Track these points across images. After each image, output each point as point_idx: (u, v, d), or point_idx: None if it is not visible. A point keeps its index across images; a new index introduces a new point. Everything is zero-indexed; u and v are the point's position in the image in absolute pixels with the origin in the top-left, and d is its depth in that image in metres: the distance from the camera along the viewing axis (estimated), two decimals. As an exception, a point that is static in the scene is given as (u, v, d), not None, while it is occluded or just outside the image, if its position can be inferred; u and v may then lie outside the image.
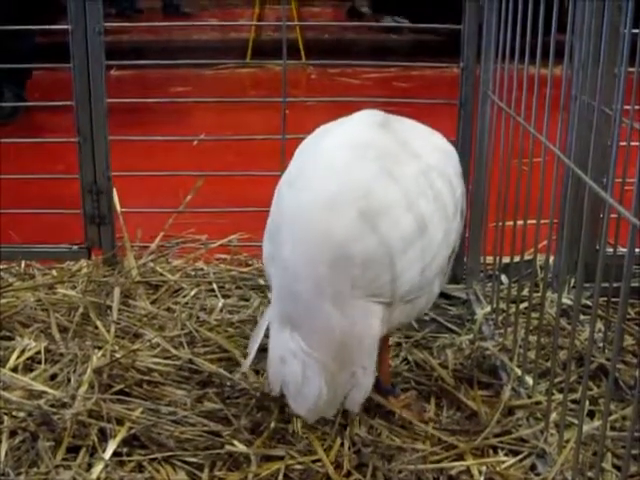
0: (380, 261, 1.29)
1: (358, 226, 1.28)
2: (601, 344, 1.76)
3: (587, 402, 1.53)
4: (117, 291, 1.96)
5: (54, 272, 2.13)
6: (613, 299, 1.79)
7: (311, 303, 1.28)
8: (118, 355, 1.67)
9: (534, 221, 1.57)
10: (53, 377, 1.64)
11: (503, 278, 2.00)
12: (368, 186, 1.32)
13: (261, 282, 2.07)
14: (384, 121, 1.47)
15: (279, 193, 1.43)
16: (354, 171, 1.34)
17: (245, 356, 1.69)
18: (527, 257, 1.75)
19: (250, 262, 2.21)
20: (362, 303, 1.29)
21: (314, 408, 1.30)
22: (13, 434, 1.45)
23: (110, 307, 1.90)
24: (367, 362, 1.31)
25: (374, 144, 1.39)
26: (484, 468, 1.40)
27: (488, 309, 1.95)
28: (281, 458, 1.41)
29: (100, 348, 1.72)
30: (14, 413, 1.49)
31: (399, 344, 1.79)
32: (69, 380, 1.61)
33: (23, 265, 2.15)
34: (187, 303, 1.97)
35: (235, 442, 1.42)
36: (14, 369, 1.65)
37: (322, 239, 1.28)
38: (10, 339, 1.77)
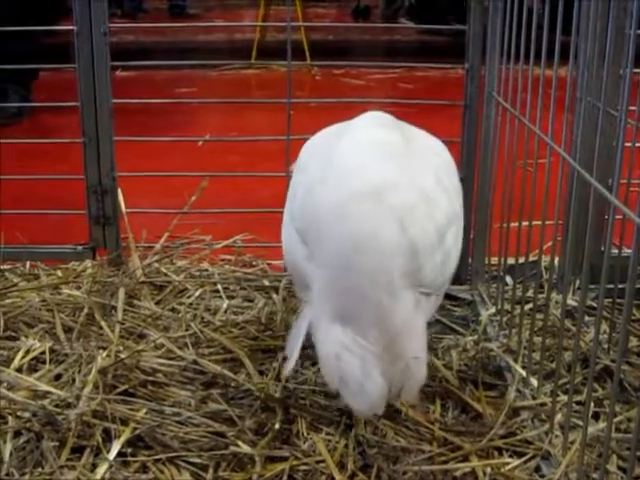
0: (423, 250, 1.30)
1: (402, 216, 1.29)
2: (606, 345, 1.76)
3: (592, 404, 1.53)
4: (122, 291, 1.96)
5: (59, 272, 2.13)
6: (618, 300, 1.79)
7: (365, 296, 1.27)
8: (123, 355, 1.67)
9: (539, 222, 1.57)
10: (58, 377, 1.64)
11: (508, 279, 2.00)
12: (402, 181, 1.33)
13: (266, 283, 2.07)
14: (393, 122, 1.49)
15: (310, 194, 1.40)
16: (386, 167, 1.35)
17: (249, 357, 1.70)
18: (532, 258, 1.75)
19: (255, 263, 2.21)
20: (409, 294, 1.30)
21: (375, 403, 1.29)
22: (17, 434, 1.45)
23: (115, 307, 1.90)
24: (419, 352, 1.30)
25: (394, 142, 1.41)
26: (489, 469, 1.39)
27: (493, 310, 1.94)
28: (285, 459, 1.41)
29: (105, 348, 1.73)
30: (19, 413, 1.49)
31: (404, 345, 1.79)
32: (74, 380, 1.61)
33: (28, 265, 2.16)
34: (192, 304, 1.97)
35: (239, 443, 1.42)
36: (19, 369, 1.66)
37: (371, 230, 1.28)
38: (15, 339, 1.78)
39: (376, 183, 1.31)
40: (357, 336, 1.27)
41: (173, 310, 1.94)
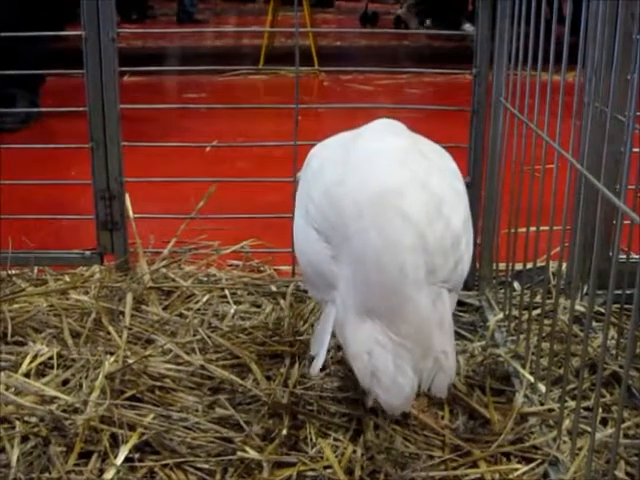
0: (448, 246, 1.32)
1: (427, 211, 1.32)
2: (614, 351, 1.76)
3: (600, 409, 1.53)
4: (129, 297, 1.96)
5: (67, 278, 2.13)
6: (626, 306, 1.78)
7: (395, 291, 1.28)
8: (130, 361, 1.67)
9: (547, 228, 1.57)
10: (65, 382, 1.64)
11: (516, 285, 2.00)
12: (426, 179, 1.36)
13: (273, 288, 2.07)
14: (404, 129, 1.52)
15: (329, 195, 1.40)
16: (403, 169, 1.37)
17: (256, 363, 1.70)
18: (540, 264, 1.75)
19: (262, 268, 2.21)
20: (436, 289, 1.32)
21: (408, 398, 1.29)
22: (25, 439, 1.45)
23: (122, 313, 1.90)
24: (448, 346, 1.32)
25: (408, 148, 1.43)
26: (497, 475, 1.39)
27: (500, 316, 1.94)
28: (293, 465, 1.40)
29: (112, 354, 1.73)
30: (26, 418, 1.49)
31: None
32: (81, 386, 1.61)
33: (36, 270, 2.16)
34: (199, 309, 1.97)
35: (247, 448, 1.42)
36: (26, 374, 1.66)
37: (400, 225, 1.29)
38: (22, 344, 1.78)
39: (397, 183, 1.34)
40: (390, 331, 1.28)
41: (181, 315, 1.94)
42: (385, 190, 1.33)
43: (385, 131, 1.50)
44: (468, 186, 1.55)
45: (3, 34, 2.08)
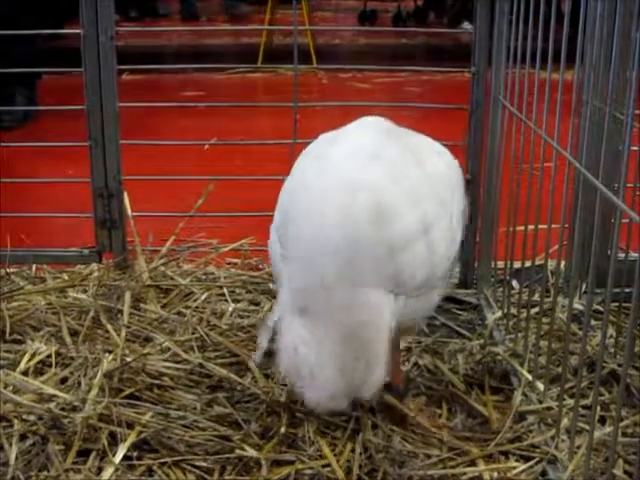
0: (389, 251, 1.29)
1: (369, 214, 1.29)
2: (612, 350, 1.76)
3: (598, 408, 1.53)
4: (128, 295, 1.96)
5: (65, 276, 2.13)
6: (625, 304, 1.78)
7: (325, 289, 1.28)
8: (129, 359, 1.67)
9: (545, 226, 1.57)
10: (64, 381, 1.64)
11: (514, 283, 2.00)
12: (375, 183, 1.33)
13: (272, 286, 2.07)
14: (389, 128, 1.48)
15: (288, 193, 1.44)
16: (363, 168, 1.35)
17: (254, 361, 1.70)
18: (538, 262, 1.75)
19: (261, 266, 2.21)
20: (373, 291, 1.30)
21: (329, 396, 1.29)
22: (23, 437, 1.45)
23: (121, 311, 1.90)
24: (380, 351, 1.30)
25: (379, 145, 1.40)
26: (495, 474, 1.39)
27: (499, 314, 1.94)
28: (291, 463, 1.40)
29: (111, 352, 1.73)
30: (24, 416, 1.50)
31: (409, 349, 1.79)
32: (79, 384, 1.61)
33: (34, 269, 2.16)
34: (198, 307, 1.97)
35: (245, 446, 1.42)
36: (25, 372, 1.66)
37: (340, 226, 1.28)
38: (21, 342, 1.78)
39: (350, 182, 1.32)
40: (316, 330, 1.28)
41: (179, 313, 1.94)
42: (325, 191, 1.33)
43: (360, 130, 1.46)
44: (467, 183, 1.54)
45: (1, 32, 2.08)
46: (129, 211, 2.18)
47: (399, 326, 1.41)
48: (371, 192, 1.31)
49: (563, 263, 2.00)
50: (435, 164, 1.45)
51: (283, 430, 1.47)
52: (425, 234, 1.34)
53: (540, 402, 1.58)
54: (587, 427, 1.43)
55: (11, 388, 1.58)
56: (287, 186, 1.46)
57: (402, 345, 1.75)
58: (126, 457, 1.41)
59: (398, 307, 1.34)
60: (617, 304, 1.79)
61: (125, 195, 2.16)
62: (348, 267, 1.28)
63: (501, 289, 2.01)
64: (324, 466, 1.40)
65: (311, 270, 1.31)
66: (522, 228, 1.74)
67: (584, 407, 1.54)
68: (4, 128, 3.69)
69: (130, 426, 1.47)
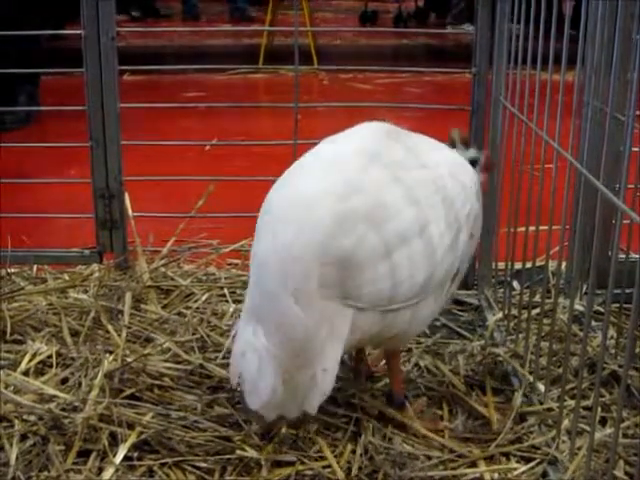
0: (351, 265, 1.28)
1: (333, 225, 1.28)
2: (613, 351, 1.76)
3: (599, 409, 1.53)
4: (128, 295, 1.96)
5: (66, 276, 2.13)
6: (625, 305, 1.78)
7: (276, 298, 1.28)
8: (129, 359, 1.67)
9: (546, 227, 1.57)
10: (64, 381, 1.64)
11: (515, 284, 2.00)
12: (353, 188, 1.31)
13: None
14: (390, 131, 1.47)
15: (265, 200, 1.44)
16: (342, 172, 1.34)
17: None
18: (539, 263, 1.75)
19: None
20: (330, 305, 1.28)
21: (268, 404, 1.30)
22: (24, 438, 1.45)
23: (121, 311, 1.90)
24: (329, 365, 1.30)
25: (370, 151, 1.39)
26: (496, 475, 1.39)
27: (500, 315, 1.94)
28: (292, 464, 1.40)
29: (111, 352, 1.73)
30: (25, 417, 1.49)
31: (410, 349, 1.79)
32: (80, 384, 1.61)
33: (35, 269, 2.16)
34: (198, 308, 1.97)
35: (246, 447, 1.42)
36: (25, 373, 1.66)
37: (294, 235, 1.28)
38: (21, 343, 1.78)
39: (309, 192, 1.32)
40: (264, 337, 1.28)
41: (180, 314, 1.94)
42: (293, 198, 1.33)
43: (362, 134, 1.46)
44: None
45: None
46: (130, 212, 2.19)
47: (382, 340, 1.41)
48: (331, 204, 1.29)
49: (564, 264, 2.00)
50: (437, 166, 1.43)
51: (284, 431, 1.47)
52: (387, 256, 1.30)
53: (541, 403, 1.58)
54: (588, 428, 1.43)
55: (12, 388, 1.58)
56: None
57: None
58: (127, 457, 1.41)
59: (363, 322, 1.33)
60: (618, 305, 1.79)
61: (126, 195, 2.17)
62: (298, 278, 1.27)
63: (502, 290, 2.01)
64: (324, 467, 1.40)
65: (260, 278, 1.32)
66: (523, 229, 1.74)
67: (585, 408, 1.54)
68: (6, 129, 3.65)
69: (131, 426, 1.47)
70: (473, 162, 1.58)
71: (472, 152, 1.60)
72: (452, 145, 1.58)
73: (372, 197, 1.31)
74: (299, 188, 1.35)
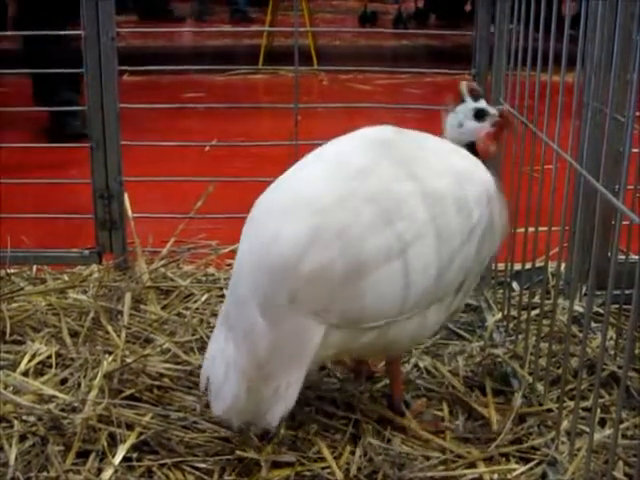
0: (323, 281, 1.26)
1: (306, 241, 1.26)
2: (612, 352, 1.76)
3: (598, 410, 1.53)
4: (128, 296, 1.96)
5: (65, 277, 2.13)
6: (625, 306, 1.78)
7: (245, 310, 1.28)
8: (129, 360, 1.67)
9: (545, 228, 1.57)
10: (64, 382, 1.64)
11: (514, 285, 2.00)
12: (333, 203, 1.29)
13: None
14: (389, 140, 1.44)
15: None
16: (323, 187, 1.33)
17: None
18: (538, 264, 1.74)
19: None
20: (300, 320, 1.27)
21: (230, 411, 1.31)
22: (23, 438, 1.45)
23: (121, 312, 1.90)
24: (293, 378, 1.29)
25: (360, 164, 1.36)
26: (495, 476, 1.39)
27: (499, 316, 1.94)
28: (291, 464, 1.40)
29: (111, 353, 1.73)
30: (24, 417, 1.49)
31: (409, 350, 1.78)
32: (79, 385, 1.61)
33: (34, 270, 2.16)
34: (198, 308, 1.97)
35: (245, 448, 1.42)
36: (25, 373, 1.66)
37: (266, 247, 1.29)
38: (21, 343, 1.78)
39: (293, 202, 1.32)
40: (232, 345, 1.29)
41: (179, 315, 1.94)
42: (269, 209, 1.34)
43: (356, 143, 1.44)
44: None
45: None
46: (129, 212, 2.19)
47: (364, 354, 1.42)
48: (307, 217, 1.29)
49: (563, 265, 2.00)
50: (438, 176, 1.38)
51: (283, 432, 1.47)
52: (360, 276, 1.27)
53: (540, 404, 1.58)
54: (587, 429, 1.42)
55: (11, 389, 1.59)
56: None
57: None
58: (126, 458, 1.41)
59: (340, 339, 1.31)
60: (617, 306, 1.79)
61: (125, 196, 2.17)
62: (267, 291, 1.27)
63: (501, 291, 2.01)
64: (324, 468, 1.40)
65: (234, 283, 1.33)
66: (522, 230, 1.73)
67: (584, 409, 1.54)
68: (73, 135, 3.36)
69: (130, 427, 1.47)
70: (479, 113, 1.55)
71: (482, 103, 1.57)
72: (461, 100, 1.57)
73: (349, 214, 1.28)
74: (279, 198, 1.36)
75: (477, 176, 1.44)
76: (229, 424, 1.36)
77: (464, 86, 1.57)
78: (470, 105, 1.56)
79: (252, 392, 1.28)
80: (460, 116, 1.55)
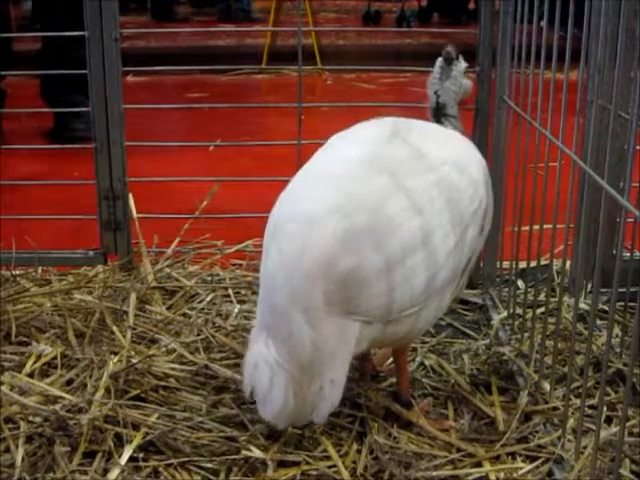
0: (357, 281, 1.29)
1: (337, 244, 1.28)
2: (618, 349, 1.76)
3: (604, 408, 1.53)
4: (133, 296, 1.96)
5: (70, 278, 2.13)
6: (630, 304, 1.78)
7: (285, 315, 1.29)
8: (134, 360, 1.67)
9: (550, 226, 1.57)
10: (69, 382, 1.64)
11: (520, 283, 2.00)
12: (356, 204, 1.32)
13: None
14: (394, 132, 1.46)
15: (272, 211, 1.44)
16: (344, 188, 1.34)
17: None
18: (543, 262, 1.74)
19: (266, 267, 2.20)
20: (337, 320, 1.30)
21: (280, 415, 1.32)
22: (29, 439, 1.45)
23: (126, 312, 1.90)
24: (337, 376, 1.32)
25: (375, 157, 1.39)
26: (501, 474, 1.39)
27: (505, 314, 1.94)
28: (297, 464, 1.40)
29: (116, 353, 1.73)
30: (30, 418, 1.49)
31: (415, 349, 1.79)
32: (85, 385, 1.61)
33: (40, 271, 2.16)
34: (203, 309, 1.97)
35: (251, 447, 1.42)
36: (30, 374, 1.66)
37: (299, 253, 1.29)
38: (27, 344, 1.78)
39: (312, 210, 1.32)
40: (275, 351, 1.30)
41: (184, 315, 1.94)
42: (297, 215, 1.33)
43: (365, 138, 1.45)
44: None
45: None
46: (134, 213, 2.19)
47: (384, 344, 1.42)
48: (334, 221, 1.30)
49: (568, 263, 1.99)
50: (443, 164, 1.42)
51: (289, 431, 1.47)
52: (391, 270, 1.31)
53: (546, 402, 1.58)
54: (593, 427, 1.42)
55: (17, 390, 1.59)
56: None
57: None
58: (132, 458, 1.41)
59: (370, 334, 1.34)
60: (623, 303, 1.79)
61: (130, 197, 2.17)
62: (305, 296, 1.28)
63: (507, 289, 2.00)
64: (330, 467, 1.40)
65: (268, 294, 1.33)
66: (527, 228, 1.73)
67: (590, 407, 1.54)
68: (79, 137, 3.28)
69: (136, 427, 1.47)
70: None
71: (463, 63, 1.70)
72: (450, 61, 1.65)
73: (375, 211, 1.31)
74: (303, 205, 1.35)
75: (475, 157, 1.52)
76: (275, 426, 1.38)
77: (452, 51, 1.62)
78: (462, 65, 1.67)
79: (299, 394, 1.30)
80: (459, 78, 1.67)
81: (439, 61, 1.68)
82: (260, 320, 1.36)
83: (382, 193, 1.33)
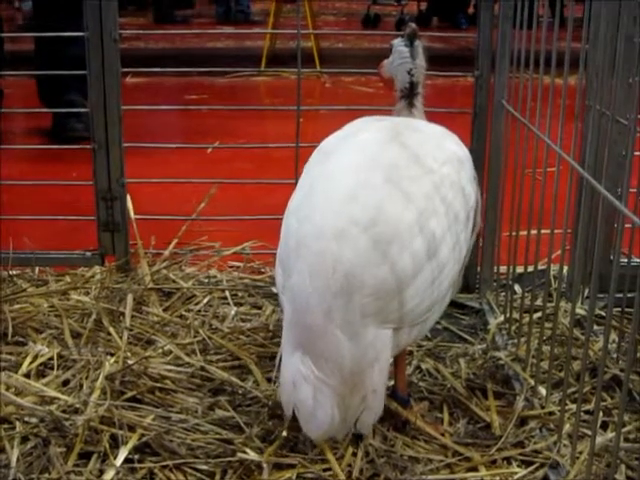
0: (390, 290, 1.30)
1: (367, 255, 1.29)
2: (615, 355, 1.76)
3: (600, 413, 1.53)
4: (130, 298, 1.96)
5: (67, 278, 2.13)
6: (627, 309, 1.78)
7: (321, 333, 1.29)
8: (130, 362, 1.67)
9: (548, 231, 1.57)
10: (65, 383, 1.64)
11: (517, 288, 2.00)
12: (376, 213, 1.32)
13: (274, 290, 2.07)
14: (393, 133, 1.46)
15: (286, 221, 1.43)
16: (362, 198, 1.34)
17: (256, 364, 1.71)
18: (541, 267, 1.75)
19: (263, 270, 2.21)
20: (372, 330, 1.30)
21: (326, 431, 1.32)
22: (25, 440, 1.45)
23: (123, 314, 1.90)
24: (378, 385, 1.32)
25: (383, 163, 1.38)
26: (497, 479, 1.39)
27: (501, 319, 1.94)
28: (293, 466, 1.40)
29: (113, 355, 1.73)
30: (26, 419, 1.49)
31: (411, 352, 1.78)
32: (81, 386, 1.61)
33: (37, 271, 2.16)
34: (200, 310, 1.97)
35: (247, 450, 1.42)
36: (27, 375, 1.66)
37: (330, 270, 1.29)
38: (23, 345, 1.78)
39: (345, 219, 1.31)
40: (314, 367, 1.29)
41: (181, 317, 1.94)
42: (322, 231, 1.32)
43: (369, 141, 1.45)
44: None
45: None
46: (132, 214, 2.19)
47: (402, 348, 1.43)
48: (359, 234, 1.30)
49: (566, 268, 1.99)
50: (442, 164, 1.42)
51: (285, 433, 1.46)
52: (431, 258, 1.33)
53: (542, 407, 1.58)
54: (589, 432, 1.42)
55: (13, 390, 1.58)
56: (289, 208, 1.45)
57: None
58: (127, 460, 1.41)
59: (399, 340, 1.35)
60: (619, 309, 1.79)
61: (128, 198, 2.17)
62: (345, 308, 1.28)
63: (503, 294, 2.00)
64: (325, 470, 1.40)
65: (300, 313, 1.32)
66: (525, 233, 1.73)
67: (586, 412, 1.54)
68: (77, 138, 3.33)
69: (131, 429, 1.47)
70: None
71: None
72: (415, 38, 1.62)
73: (396, 219, 1.32)
74: (324, 219, 1.33)
75: (466, 157, 1.51)
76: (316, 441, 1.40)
77: (415, 28, 1.62)
78: (422, 45, 1.64)
79: (341, 407, 1.30)
80: (424, 55, 1.64)
81: (400, 40, 1.64)
82: (292, 339, 1.33)
83: (397, 199, 1.34)
